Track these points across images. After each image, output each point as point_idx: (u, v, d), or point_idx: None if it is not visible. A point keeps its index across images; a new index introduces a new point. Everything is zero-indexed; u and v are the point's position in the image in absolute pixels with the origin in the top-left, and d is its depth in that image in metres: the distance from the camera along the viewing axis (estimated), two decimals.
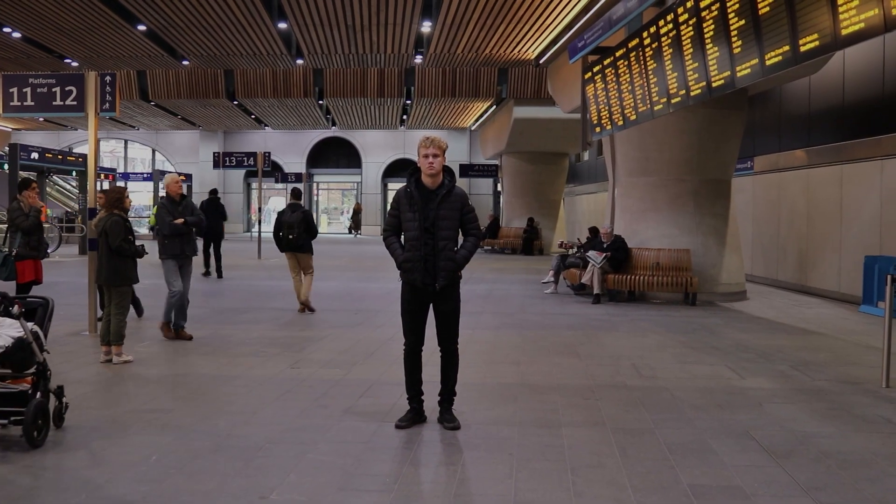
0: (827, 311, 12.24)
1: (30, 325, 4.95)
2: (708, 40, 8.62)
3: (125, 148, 40.10)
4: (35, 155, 23.61)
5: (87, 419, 5.37)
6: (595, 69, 12.66)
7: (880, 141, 12.39)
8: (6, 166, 23.44)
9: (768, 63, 7.41)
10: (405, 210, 5.28)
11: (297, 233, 10.85)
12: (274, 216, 12.64)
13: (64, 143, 37.58)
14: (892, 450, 4.98)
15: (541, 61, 20.26)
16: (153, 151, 39.70)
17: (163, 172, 33.94)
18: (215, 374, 7.06)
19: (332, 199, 43.27)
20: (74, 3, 16.06)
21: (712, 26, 8.48)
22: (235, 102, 27.19)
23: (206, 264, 16.25)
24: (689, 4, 9.00)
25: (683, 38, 9.24)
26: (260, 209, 25.96)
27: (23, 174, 21.75)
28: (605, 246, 13.12)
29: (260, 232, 22.77)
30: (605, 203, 16.35)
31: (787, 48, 7.02)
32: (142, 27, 18.04)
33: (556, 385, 6.68)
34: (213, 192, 17.27)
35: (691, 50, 9.09)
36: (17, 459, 4.61)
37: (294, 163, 38.25)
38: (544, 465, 4.57)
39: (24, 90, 9.08)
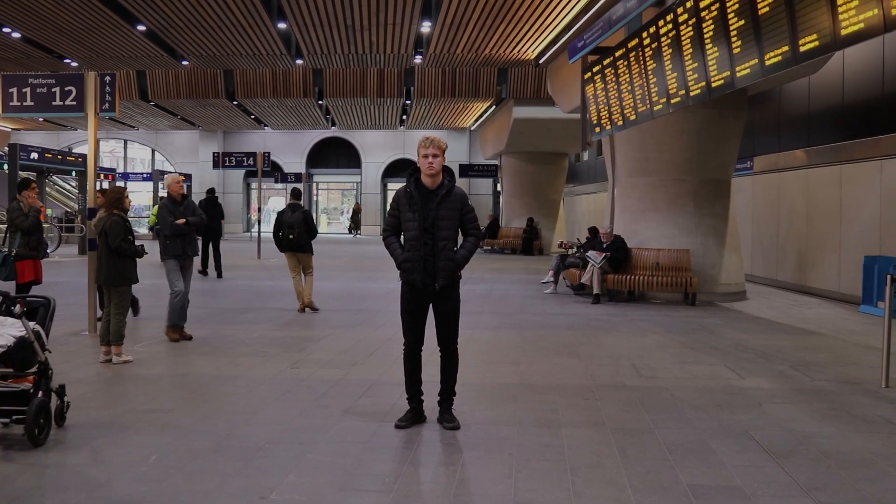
0: (826, 311, 12.24)
1: (31, 324, 4.96)
2: (707, 40, 8.62)
3: (125, 148, 40.09)
4: (35, 155, 23.61)
5: (86, 419, 5.37)
6: (595, 69, 12.66)
7: (880, 141, 12.40)
8: (6, 166, 23.44)
9: (768, 63, 7.41)
10: (405, 210, 5.28)
11: (297, 233, 10.89)
12: (273, 216, 12.63)
13: (63, 143, 37.58)
14: (892, 450, 4.99)
15: (540, 61, 20.26)
16: (153, 151, 39.70)
17: (162, 172, 33.97)
18: (215, 374, 7.06)
19: (332, 199, 43.27)
20: (74, 4, 16.05)
21: (712, 26, 8.49)
22: (235, 102, 27.19)
23: (204, 263, 16.28)
24: (688, 4, 9.00)
25: (683, 38, 9.24)
26: (259, 209, 25.95)
27: (22, 174, 21.75)
28: (604, 246, 13.12)
29: (260, 232, 22.77)
30: (604, 203, 16.35)
31: (786, 48, 7.02)
32: (141, 27, 18.04)
33: (556, 385, 6.69)
34: (211, 191, 17.35)
35: (691, 50, 9.09)
36: (18, 458, 4.61)
37: (294, 163, 38.24)
38: (544, 465, 4.57)
39: (24, 90, 9.08)
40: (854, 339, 9.48)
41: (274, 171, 33.56)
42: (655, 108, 10.49)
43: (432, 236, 5.20)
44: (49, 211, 29.80)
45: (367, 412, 5.68)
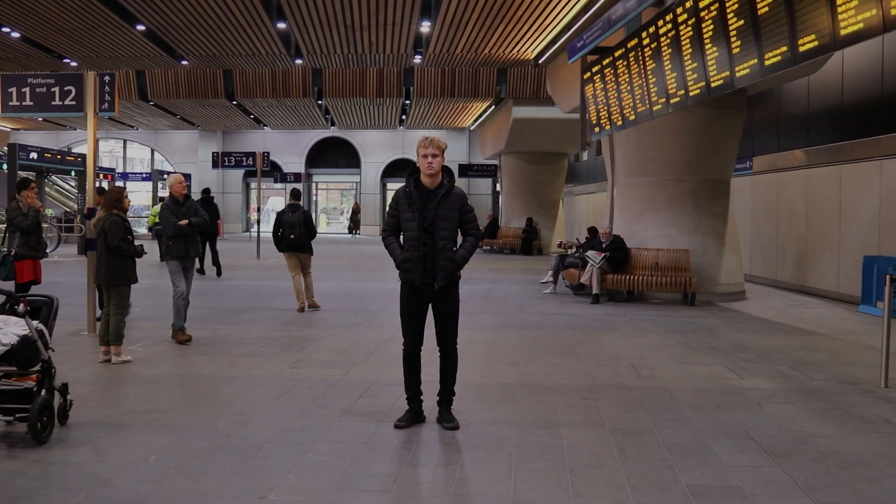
0: (826, 311, 12.25)
1: (35, 323, 5.00)
2: (707, 40, 8.62)
3: (124, 148, 40.08)
4: (34, 155, 23.61)
5: (86, 419, 5.37)
6: (594, 69, 12.66)
7: (879, 141, 12.40)
8: (5, 166, 23.43)
9: (767, 63, 7.41)
10: (404, 210, 5.28)
11: (298, 233, 10.93)
12: (273, 216, 12.65)
13: (63, 142, 37.57)
14: (891, 450, 4.99)
15: (540, 61, 20.26)
16: (152, 151, 39.69)
17: (162, 172, 33.97)
18: (215, 374, 7.06)
19: (332, 198, 43.26)
20: (73, 3, 16.05)
21: (711, 26, 8.49)
22: (234, 102, 27.18)
23: (201, 262, 16.30)
24: (688, 4, 9.00)
25: (682, 38, 9.25)
26: (259, 209, 25.94)
27: (22, 174, 21.74)
28: (603, 246, 13.13)
29: (259, 232, 22.76)
30: (603, 203, 16.36)
31: (785, 48, 7.03)
32: (141, 27, 18.03)
33: (555, 385, 6.69)
34: (206, 191, 17.45)
35: (690, 50, 9.09)
36: (22, 456, 4.63)
37: (293, 163, 38.24)
38: (543, 465, 4.57)
39: (24, 90, 9.08)
40: (853, 339, 9.48)
41: (273, 171, 33.56)
42: (655, 108, 10.49)
43: (431, 236, 5.20)
44: (50, 211, 29.81)
45: (366, 412, 5.68)
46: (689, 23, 9.01)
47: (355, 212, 38.49)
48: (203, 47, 20.08)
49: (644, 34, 10.43)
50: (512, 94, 23.73)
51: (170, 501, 3.96)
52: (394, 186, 37.35)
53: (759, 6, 7.41)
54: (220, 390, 6.46)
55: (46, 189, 28.49)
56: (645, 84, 10.63)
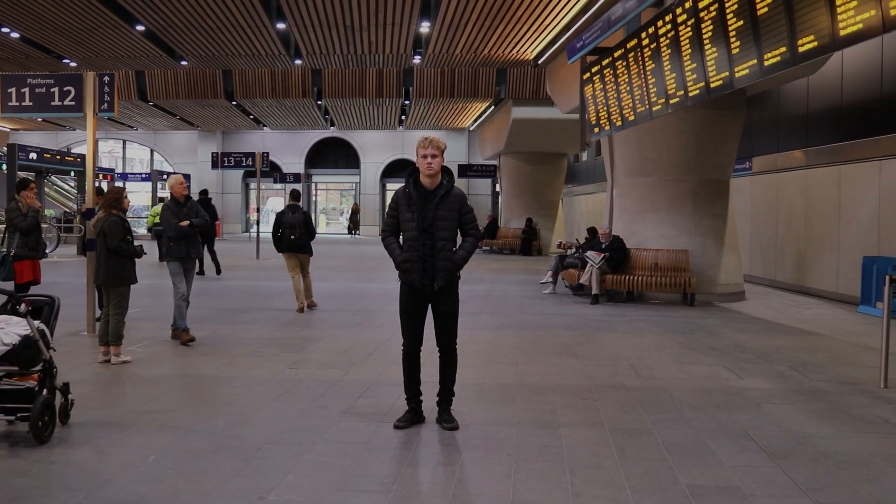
0: (825, 311, 12.25)
1: (36, 323, 5.02)
2: (706, 41, 8.63)
3: (123, 148, 40.06)
4: (33, 155, 23.60)
5: (85, 420, 5.37)
6: (594, 70, 12.67)
7: (878, 141, 12.41)
8: (5, 166, 23.42)
9: (767, 64, 7.41)
10: (404, 210, 5.28)
11: (298, 233, 10.96)
12: (272, 217, 12.67)
13: (62, 143, 37.55)
14: (890, 450, 4.99)
15: (539, 62, 20.26)
16: (151, 152, 39.67)
17: (161, 173, 33.96)
18: (214, 374, 7.07)
19: (331, 199, 43.25)
20: (73, 4, 16.05)
21: (711, 27, 8.49)
22: (234, 103, 27.18)
23: (201, 264, 16.30)
24: (687, 5, 9.00)
25: (682, 38, 9.25)
26: (258, 209, 25.93)
27: (21, 174, 21.73)
28: (603, 246, 13.13)
29: (258, 232, 22.75)
30: (603, 203, 16.36)
31: (785, 49, 7.03)
32: (140, 27, 18.03)
33: (555, 385, 6.69)
34: (204, 192, 17.46)
35: (690, 50, 9.09)
36: (23, 455, 4.65)
37: (292, 163, 38.22)
38: (543, 465, 4.57)
39: (23, 90, 9.08)
40: (852, 339, 9.49)
41: (273, 172, 33.53)
42: (654, 109, 10.49)
43: (431, 237, 5.20)
44: (50, 212, 29.82)
45: (365, 413, 5.68)
46: (689, 23, 9.01)
47: (354, 212, 38.49)
48: (202, 48, 20.08)
49: (643, 35, 10.43)
50: (511, 95, 23.74)
51: (169, 502, 3.96)
52: (393, 187, 37.34)
53: (758, 7, 7.42)
54: (219, 391, 6.46)
55: (46, 189, 28.48)
56: (644, 84, 10.63)
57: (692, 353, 8.41)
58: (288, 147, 38.59)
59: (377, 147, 38.60)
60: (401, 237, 5.38)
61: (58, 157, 25.52)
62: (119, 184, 30.31)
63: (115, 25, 17.71)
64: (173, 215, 8.49)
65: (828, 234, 14.04)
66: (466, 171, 32.93)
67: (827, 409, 6.01)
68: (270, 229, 11.77)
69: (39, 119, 30.91)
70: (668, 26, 9.59)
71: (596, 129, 13.04)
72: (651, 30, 10.14)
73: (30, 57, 20.63)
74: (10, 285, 8.82)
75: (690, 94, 9.29)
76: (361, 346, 8.44)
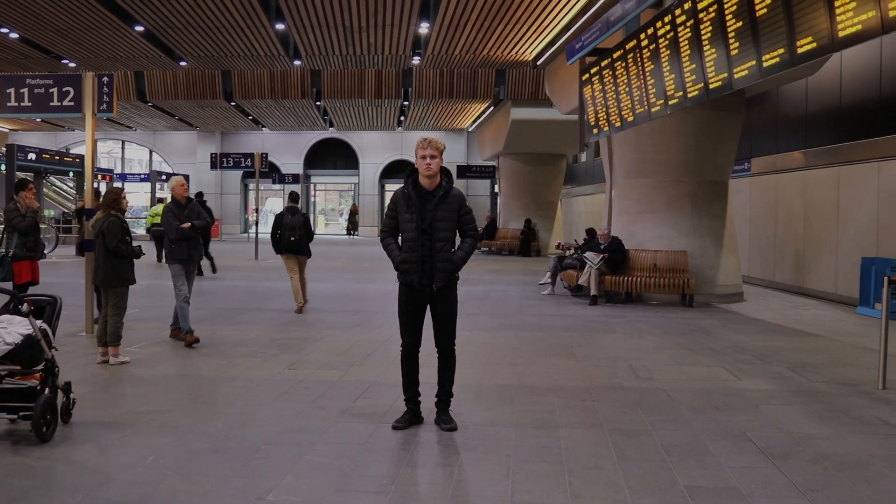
0: (824, 312, 12.25)
1: (38, 322, 5.07)
2: (705, 42, 8.63)
3: (122, 149, 40.05)
4: (32, 155, 23.61)
5: (84, 420, 5.36)
6: (592, 71, 12.67)
7: (877, 143, 12.41)
8: (3, 167, 23.43)
9: (765, 65, 7.42)
10: (403, 211, 5.28)
11: (298, 235, 10.99)
12: (271, 217, 12.69)
13: (61, 143, 37.53)
14: (889, 451, 4.99)
15: (538, 63, 20.27)
16: (150, 152, 39.65)
17: (160, 173, 33.95)
18: (213, 375, 7.06)
19: (330, 200, 43.24)
20: (72, 4, 16.04)
21: (710, 28, 8.49)
22: (233, 103, 27.17)
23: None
24: (686, 6, 9.01)
25: (681, 39, 9.25)
26: (257, 210, 25.94)
27: (20, 175, 21.73)
28: (602, 247, 13.14)
29: (257, 233, 22.74)
30: (602, 204, 16.36)
31: (784, 50, 7.03)
32: (139, 28, 18.03)
33: (554, 386, 6.69)
34: (200, 194, 17.43)
35: (689, 51, 9.10)
36: (25, 453, 4.66)
37: (291, 164, 38.21)
38: (541, 466, 4.57)
39: (22, 91, 9.08)
40: (851, 340, 9.49)
41: (272, 172, 33.52)
42: (653, 110, 10.50)
43: (430, 237, 5.20)
44: (49, 212, 29.80)
45: (364, 413, 5.68)
46: (688, 24, 9.01)
47: (353, 213, 38.49)
48: (201, 48, 20.07)
49: (642, 36, 10.44)
50: (510, 96, 23.74)
51: (168, 502, 3.96)
52: (392, 187, 37.34)
53: (757, 8, 7.42)
54: (218, 391, 6.45)
55: (45, 190, 28.49)
56: (643, 85, 10.64)
57: (691, 354, 8.42)
58: (287, 148, 38.58)
59: (376, 148, 38.61)
60: (399, 238, 5.39)
61: (56, 157, 25.54)
62: (118, 184, 30.34)
63: (114, 26, 17.70)
64: (174, 217, 8.42)
65: (826, 235, 14.05)
66: (465, 171, 32.94)
67: (825, 410, 6.02)
68: (269, 230, 11.78)
69: (38, 119, 30.90)
70: (668, 27, 9.60)
71: (595, 130, 13.04)
72: (650, 31, 10.15)
73: (29, 57, 20.63)
74: (8, 286, 8.82)
75: (689, 95, 9.30)
76: (360, 347, 8.44)
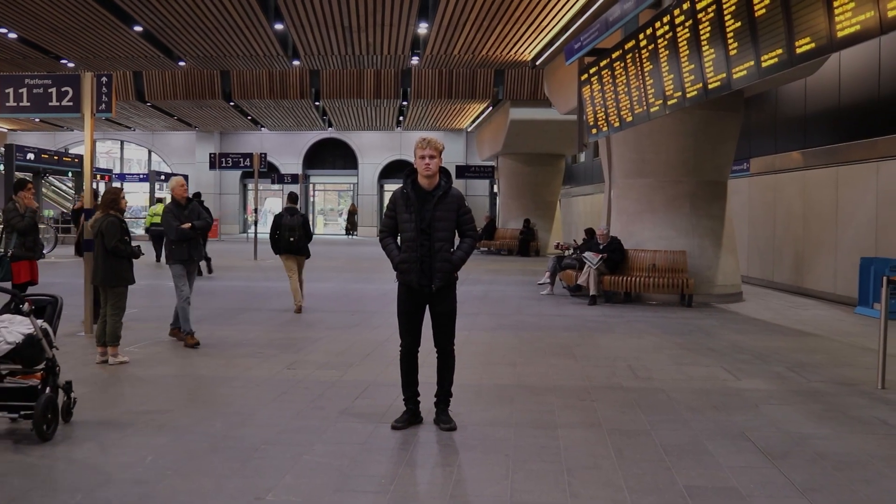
0: (823, 312, 12.26)
1: (39, 322, 5.10)
2: (704, 42, 8.64)
3: (121, 149, 40.03)
4: (31, 156, 23.61)
5: (83, 420, 5.36)
6: (591, 71, 12.68)
7: (876, 143, 12.42)
8: (2, 167, 23.41)
9: (764, 65, 7.42)
10: (402, 211, 5.28)
11: (297, 236, 11.00)
12: (270, 217, 12.71)
13: (60, 143, 37.51)
14: (888, 451, 5.00)
15: (537, 63, 20.27)
16: (149, 152, 39.63)
17: (159, 173, 33.93)
18: (212, 374, 7.06)
19: (329, 200, 43.24)
20: (70, 4, 16.03)
21: (708, 28, 8.50)
22: (232, 104, 27.16)
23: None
24: (685, 6, 9.01)
25: (680, 39, 9.26)
26: (256, 210, 25.93)
27: (18, 175, 21.72)
28: (601, 247, 13.14)
29: (256, 233, 22.73)
30: (601, 204, 16.37)
31: (782, 50, 7.04)
32: (138, 28, 18.02)
33: (553, 386, 6.69)
34: (197, 194, 17.39)
35: (687, 52, 9.10)
36: (27, 451, 4.67)
37: (290, 164, 38.20)
38: (540, 466, 4.57)
39: (20, 91, 9.07)
40: (850, 340, 9.50)
41: (271, 173, 33.51)
42: (652, 110, 10.50)
43: (429, 237, 5.20)
44: (49, 212, 29.79)
45: (363, 413, 5.68)
46: (687, 24, 9.02)
47: (352, 213, 38.48)
48: (200, 48, 20.07)
49: (641, 36, 10.44)
50: (509, 96, 23.75)
51: (167, 502, 3.96)
52: (391, 188, 37.33)
53: (756, 8, 7.43)
54: (217, 391, 6.45)
55: (43, 190, 28.47)
56: (642, 86, 10.64)
57: (690, 353, 8.42)
58: (286, 148, 38.57)
59: (375, 148, 38.61)
60: (398, 238, 5.38)
61: (55, 157, 25.54)
62: (116, 184, 30.34)
63: (113, 26, 17.70)
64: (174, 217, 8.38)
65: (825, 235, 14.06)
66: (464, 171, 32.95)
67: (824, 409, 6.02)
68: (268, 230, 11.79)
69: (37, 119, 30.88)
70: (666, 27, 9.60)
71: (594, 131, 13.04)
72: (649, 31, 10.15)
73: (27, 57, 20.62)
74: (7, 286, 8.82)
75: (688, 96, 9.30)
76: (359, 347, 8.44)
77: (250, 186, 37.63)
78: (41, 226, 14.05)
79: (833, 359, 8.22)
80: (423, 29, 17.95)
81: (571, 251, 14.65)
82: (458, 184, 31.92)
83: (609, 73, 11.83)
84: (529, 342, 8.98)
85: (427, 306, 5.34)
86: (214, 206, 35.23)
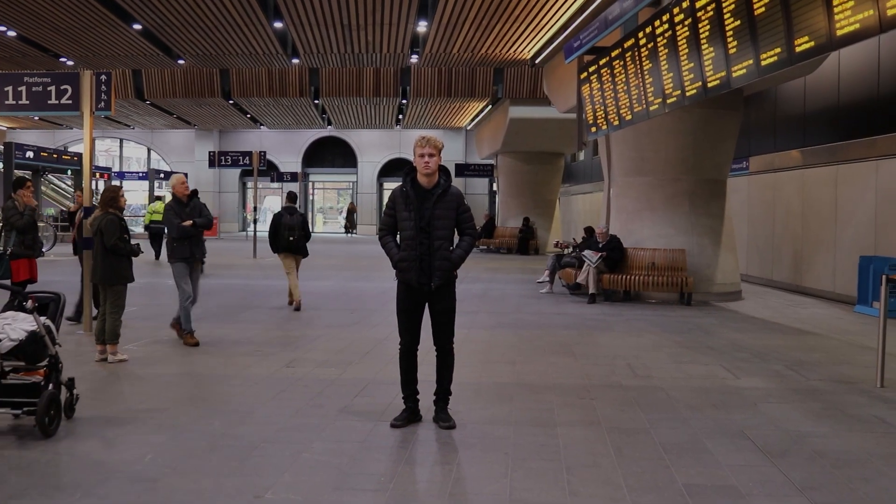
0: (822, 311, 12.27)
1: (42, 319, 5.14)
2: (703, 41, 8.63)
3: (120, 147, 40.02)
4: (30, 154, 23.59)
5: (82, 419, 5.36)
6: (591, 69, 12.67)
7: (875, 141, 12.42)
8: (1, 165, 23.39)
9: (764, 63, 7.42)
10: (401, 209, 5.27)
11: (297, 235, 11.01)
12: (269, 216, 12.73)
13: (59, 141, 37.49)
14: (887, 449, 5.00)
15: (536, 61, 20.27)
16: (148, 150, 39.63)
17: (158, 172, 33.91)
18: (211, 373, 7.06)
19: (328, 198, 43.24)
20: (70, 2, 16.02)
21: (708, 27, 8.50)
22: (231, 102, 27.16)
23: None
24: (684, 5, 9.01)
25: (679, 38, 9.25)
26: (255, 208, 25.93)
27: (18, 173, 21.70)
28: (600, 246, 13.14)
29: (255, 231, 22.73)
30: (600, 203, 16.37)
31: (782, 49, 7.04)
32: (137, 26, 18.01)
33: (552, 384, 6.69)
34: (194, 193, 17.37)
35: (687, 50, 9.10)
36: (31, 446, 4.69)
37: (290, 162, 38.20)
38: (540, 464, 4.57)
39: (20, 89, 9.07)
40: (849, 338, 9.50)
41: (270, 171, 33.52)
42: (651, 108, 10.50)
43: (428, 236, 5.20)
44: (50, 210, 29.77)
45: (362, 411, 5.68)
46: (686, 23, 9.02)
47: (351, 211, 38.48)
48: (200, 46, 20.05)
49: (641, 34, 10.44)
50: (508, 94, 23.75)
51: (166, 500, 3.95)
52: (390, 186, 37.33)
53: (755, 6, 7.42)
54: (216, 389, 6.45)
55: (42, 188, 28.45)
56: (641, 84, 10.64)
57: (689, 352, 8.42)
58: (285, 146, 38.57)
59: (374, 146, 38.61)
60: (398, 236, 5.38)
61: (54, 155, 25.51)
62: (116, 182, 30.33)
63: (112, 24, 17.69)
64: (176, 215, 8.34)
65: (825, 233, 14.07)
66: (464, 170, 32.95)
67: (823, 408, 6.02)
68: (267, 228, 11.80)
69: (36, 117, 30.87)
70: (666, 26, 9.60)
71: (593, 129, 13.04)
72: (648, 29, 10.15)
73: (26, 55, 20.60)
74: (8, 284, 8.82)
75: (688, 94, 9.30)
76: (358, 345, 8.43)
77: (249, 185, 37.62)
78: (40, 224, 14.03)
79: (832, 357, 8.23)
80: (422, 27, 17.95)
81: (571, 249, 14.65)
82: (457, 182, 31.94)
83: (608, 71, 11.83)
84: (529, 340, 8.98)
85: (426, 304, 5.33)
86: (214, 204, 35.24)
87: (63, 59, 21.12)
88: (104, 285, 7.47)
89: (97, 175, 28.71)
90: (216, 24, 17.68)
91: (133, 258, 7.54)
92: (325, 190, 42.64)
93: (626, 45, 11.02)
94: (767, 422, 5.58)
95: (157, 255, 19.20)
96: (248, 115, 31.70)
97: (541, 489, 4.17)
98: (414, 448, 4.90)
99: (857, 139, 12.94)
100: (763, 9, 7.29)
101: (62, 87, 8.99)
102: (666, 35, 9.62)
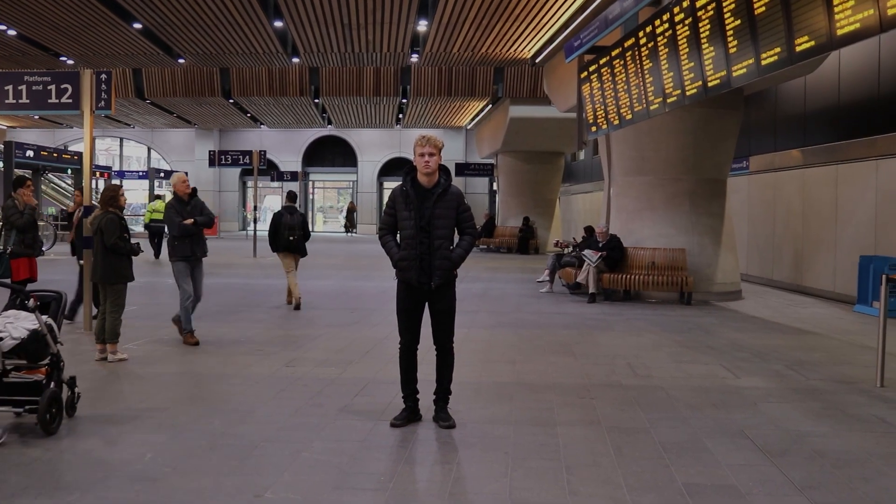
0: (822, 310, 12.27)
1: (44, 318, 5.15)
2: (704, 40, 8.63)
3: (120, 146, 40.03)
4: (30, 153, 23.58)
5: (82, 417, 5.36)
6: (591, 68, 12.67)
7: (875, 141, 12.42)
8: (1, 164, 23.38)
9: (764, 63, 7.42)
10: (401, 209, 5.27)
11: (297, 234, 11.02)
12: (269, 215, 12.74)
13: (59, 140, 37.49)
14: (886, 449, 5.00)
15: (537, 60, 20.26)
16: (149, 150, 39.63)
17: (158, 171, 33.92)
18: (211, 372, 7.06)
19: (328, 197, 43.24)
20: (70, 1, 16.02)
21: (708, 26, 8.50)
22: (231, 101, 27.15)
23: None
24: (685, 4, 9.01)
25: (679, 37, 9.25)
26: (256, 208, 25.93)
27: (18, 172, 21.69)
28: (600, 245, 13.14)
29: (255, 230, 22.73)
30: (600, 202, 16.37)
31: (782, 48, 7.04)
32: (138, 25, 18.01)
33: (552, 384, 6.69)
34: (193, 191, 17.37)
35: (687, 49, 9.10)
36: (34, 444, 4.69)
37: (290, 161, 38.20)
38: (540, 463, 4.58)
39: (20, 88, 9.06)
40: (849, 338, 9.50)
41: (270, 170, 33.52)
42: (651, 108, 10.50)
43: (428, 235, 5.20)
44: (51, 209, 29.76)
45: (362, 411, 5.68)
46: (686, 22, 9.01)
47: (351, 211, 38.49)
48: (200, 45, 20.05)
49: (641, 33, 10.44)
50: (509, 94, 23.75)
51: (166, 499, 3.95)
52: (390, 185, 37.33)
53: (755, 6, 7.42)
54: (216, 388, 6.45)
55: (43, 187, 28.45)
56: (642, 83, 10.64)
57: (689, 351, 8.42)
58: (285, 145, 38.57)
59: (374, 145, 38.61)
60: (398, 235, 5.38)
61: (54, 154, 25.50)
62: (116, 181, 30.33)
63: (113, 23, 17.69)
64: (177, 213, 8.30)
65: (825, 233, 14.06)
66: (464, 169, 32.96)
67: (823, 407, 6.02)
68: (267, 228, 11.80)
69: (36, 116, 30.86)
70: (666, 25, 9.60)
71: (593, 128, 13.04)
72: (648, 29, 10.14)
73: (27, 54, 20.60)
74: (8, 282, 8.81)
75: (688, 93, 9.30)
76: (358, 345, 8.44)
77: (250, 184, 37.62)
78: (40, 223, 14.02)
79: (832, 357, 8.23)
80: (422, 26, 17.95)
81: (571, 249, 14.65)
82: (457, 181, 31.90)
83: (609, 70, 11.83)
84: (529, 340, 8.98)
85: (426, 304, 5.33)
86: (214, 203, 35.24)
87: (63, 58, 21.12)
88: (104, 284, 7.47)
89: (97, 174, 28.71)
90: (216, 23, 17.68)
91: (133, 257, 7.54)
92: (325, 189, 42.64)
93: (626, 45, 11.01)
94: (767, 421, 5.59)
95: (157, 254, 19.21)
96: (249, 115, 31.70)
97: (541, 488, 4.17)
98: (414, 447, 4.90)
99: (858, 139, 12.94)
100: (763, 8, 7.29)
101: (62, 86, 8.99)
102: (666, 34, 9.62)
